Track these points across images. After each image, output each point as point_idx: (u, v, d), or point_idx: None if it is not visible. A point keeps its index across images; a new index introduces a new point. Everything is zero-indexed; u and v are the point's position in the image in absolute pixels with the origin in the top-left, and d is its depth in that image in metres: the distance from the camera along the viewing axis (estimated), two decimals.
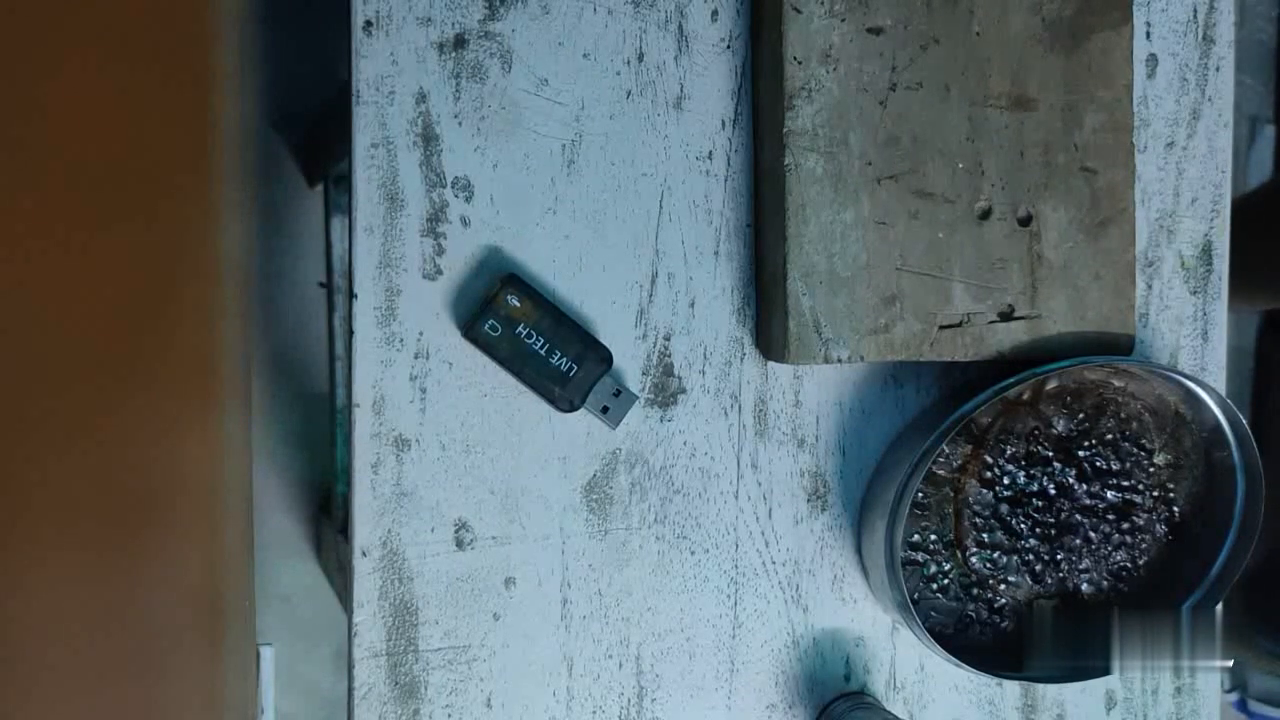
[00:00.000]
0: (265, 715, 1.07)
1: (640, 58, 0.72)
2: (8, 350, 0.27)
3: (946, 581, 0.75)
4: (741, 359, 0.74)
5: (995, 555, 0.75)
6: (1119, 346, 0.74)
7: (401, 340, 0.69)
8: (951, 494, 0.75)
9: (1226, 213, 0.80)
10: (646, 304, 0.72)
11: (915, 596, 0.74)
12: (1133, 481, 0.77)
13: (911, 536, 0.74)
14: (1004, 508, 0.75)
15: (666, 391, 0.73)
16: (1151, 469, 0.77)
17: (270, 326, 1.43)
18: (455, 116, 0.69)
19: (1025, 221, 0.72)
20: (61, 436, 0.27)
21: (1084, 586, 0.77)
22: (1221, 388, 0.80)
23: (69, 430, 0.28)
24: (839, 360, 0.70)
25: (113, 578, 0.28)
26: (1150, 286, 0.79)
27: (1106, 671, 0.75)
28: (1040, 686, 0.79)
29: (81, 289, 0.28)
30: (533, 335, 0.69)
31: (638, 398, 0.72)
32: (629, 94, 0.71)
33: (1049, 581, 0.76)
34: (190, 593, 0.29)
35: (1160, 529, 0.78)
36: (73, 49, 0.27)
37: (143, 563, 0.28)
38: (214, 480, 0.29)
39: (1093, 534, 0.76)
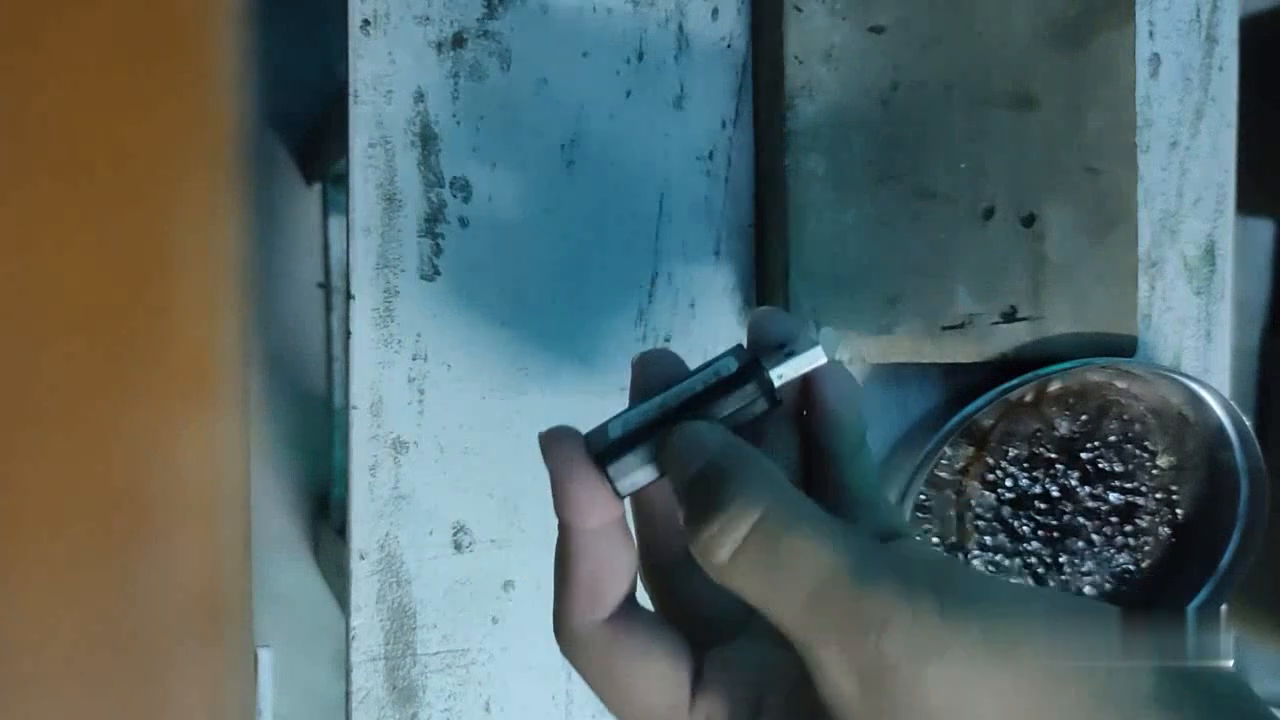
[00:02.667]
0: (263, 718, 1.07)
1: (640, 57, 0.71)
2: (2, 350, 0.27)
3: None
4: None
5: (998, 558, 0.75)
6: (1122, 347, 0.73)
7: (399, 341, 0.68)
8: (954, 497, 0.74)
9: (1230, 212, 0.80)
10: (646, 305, 0.72)
11: None
12: (1136, 483, 0.76)
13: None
14: (1007, 510, 0.75)
15: None
16: (1155, 471, 0.76)
17: (268, 327, 1.42)
18: (454, 116, 0.69)
19: (1028, 222, 0.72)
20: (57, 437, 0.27)
21: (1087, 589, 0.76)
22: (1225, 389, 0.80)
23: (64, 430, 0.27)
24: (841, 362, 0.69)
25: (109, 580, 0.28)
26: (1153, 287, 0.79)
27: None
28: None
29: (77, 288, 0.27)
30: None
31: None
32: (629, 93, 0.71)
33: (1052, 584, 0.76)
34: (188, 595, 0.29)
35: (1164, 531, 0.77)
36: (69, 45, 0.27)
37: (140, 565, 0.28)
38: (212, 481, 0.29)
39: (1096, 536, 0.76)
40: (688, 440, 0.40)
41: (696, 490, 0.39)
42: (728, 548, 0.37)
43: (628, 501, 0.43)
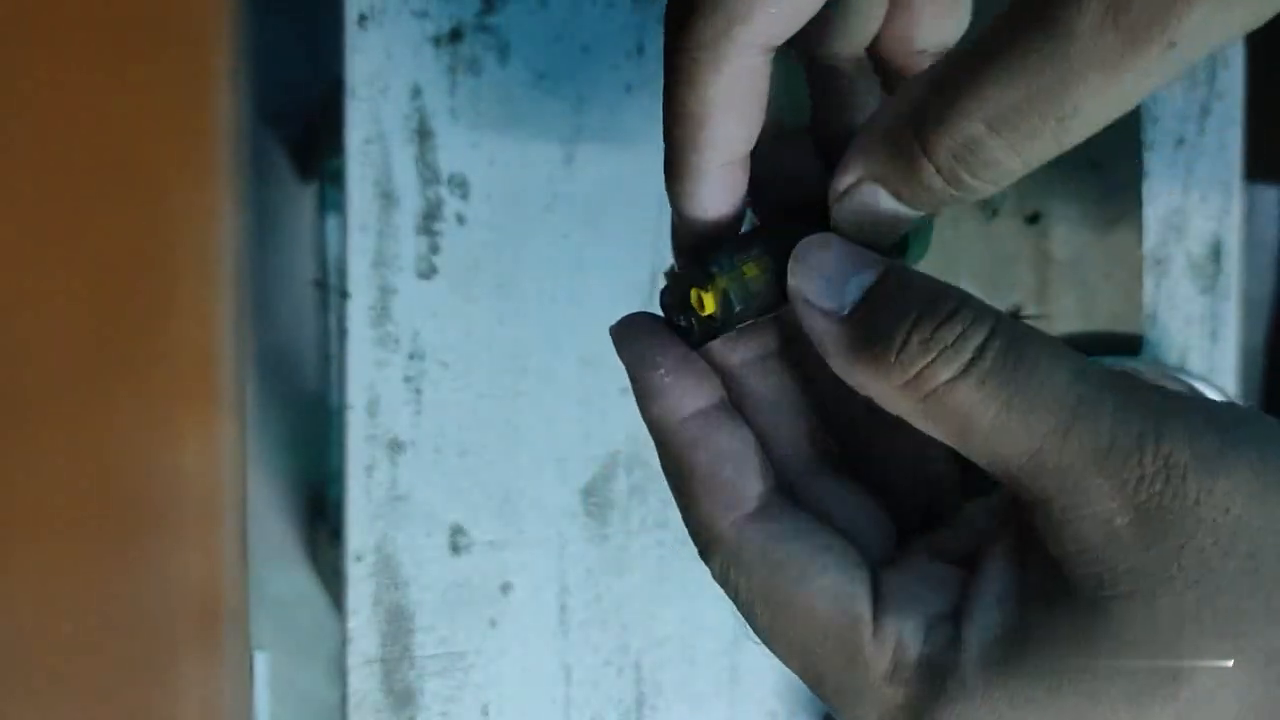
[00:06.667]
0: None
1: (640, 51, 0.71)
2: (0, 351, 0.27)
3: None
4: None
5: None
6: (1127, 346, 0.73)
7: (396, 340, 0.68)
8: None
9: (1237, 210, 0.79)
10: (647, 304, 0.71)
11: None
12: None
13: None
14: None
15: None
16: None
17: (263, 326, 1.42)
18: (451, 111, 0.68)
19: (1033, 219, 0.71)
20: (51, 438, 0.28)
21: None
22: (1232, 389, 0.80)
23: (59, 432, 0.28)
24: None
25: (108, 583, 0.28)
26: (1159, 285, 0.78)
27: None
28: None
29: (75, 288, 0.28)
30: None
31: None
32: (629, 88, 0.70)
33: None
34: (185, 599, 0.29)
35: None
36: (67, 42, 0.27)
37: (138, 568, 0.28)
38: (210, 483, 0.28)
39: None
40: (832, 253, 0.33)
41: (875, 310, 0.31)
42: (954, 366, 0.30)
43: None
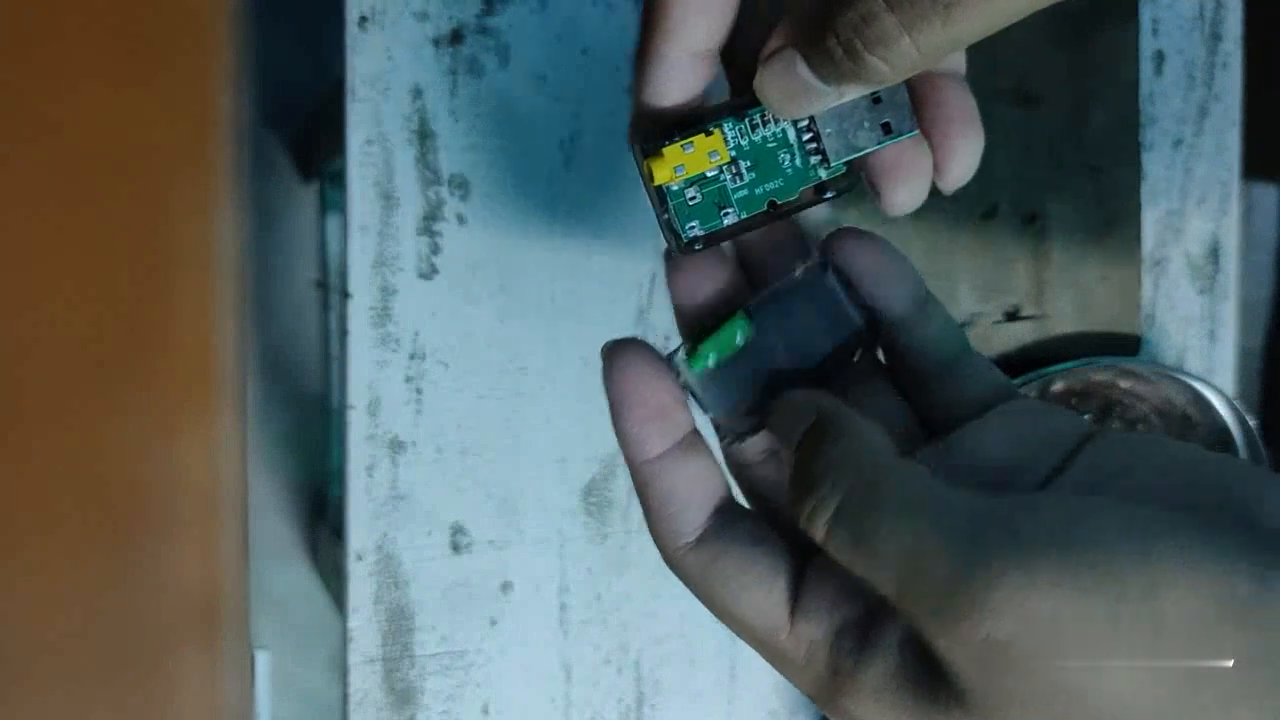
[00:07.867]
0: None
1: None
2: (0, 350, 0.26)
3: None
4: None
5: None
6: (1126, 347, 0.73)
7: (397, 341, 0.68)
8: None
9: (1235, 211, 0.79)
10: (646, 304, 0.71)
11: None
12: None
13: None
14: None
15: None
16: None
17: (264, 327, 1.42)
18: (451, 113, 0.68)
19: (1031, 220, 0.71)
20: (51, 438, 0.27)
21: None
22: (1230, 389, 0.80)
23: (59, 432, 0.27)
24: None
25: (106, 583, 0.28)
26: (1157, 286, 0.78)
27: None
28: None
29: (74, 288, 0.27)
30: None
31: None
32: (628, 90, 0.71)
33: None
34: (186, 598, 0.29)
35: None
36: (66, 42, 0.27)
37: (138, 567, 0.28)
38: (210, 483, 0.28)
39: None
40: (786, 410, 0.38)
41: (796, 460, 0.36)
42: (820, 527, 0.34)
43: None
